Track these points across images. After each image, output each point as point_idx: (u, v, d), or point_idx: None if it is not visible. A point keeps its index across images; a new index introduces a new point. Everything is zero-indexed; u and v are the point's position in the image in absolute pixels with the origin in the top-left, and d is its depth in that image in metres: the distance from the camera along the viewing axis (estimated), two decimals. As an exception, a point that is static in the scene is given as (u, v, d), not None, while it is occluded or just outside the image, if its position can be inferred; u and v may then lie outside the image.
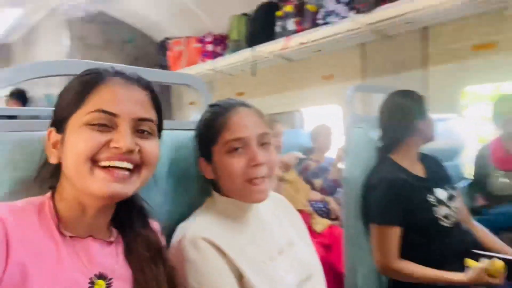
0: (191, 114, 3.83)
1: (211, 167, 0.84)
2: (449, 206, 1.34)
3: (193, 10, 3.24)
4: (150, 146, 0.65)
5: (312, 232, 2.24)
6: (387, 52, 2.50)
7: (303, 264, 0.88)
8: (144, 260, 0.67)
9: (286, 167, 1.88)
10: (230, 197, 0.85)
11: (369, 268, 1.40)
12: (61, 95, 0.65)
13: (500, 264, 1.12)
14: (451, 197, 1.37)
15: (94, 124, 0.60)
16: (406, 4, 1.93)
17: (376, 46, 2.56)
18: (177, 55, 3.41)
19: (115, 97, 0.62)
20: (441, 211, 1.31)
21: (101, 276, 0.62)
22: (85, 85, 0.62)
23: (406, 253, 1.29)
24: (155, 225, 0.77)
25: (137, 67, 0.95)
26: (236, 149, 0.80)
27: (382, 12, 2.03)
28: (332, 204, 2.42)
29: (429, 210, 1.30)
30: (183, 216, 0.86)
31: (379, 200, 1.32)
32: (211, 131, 0.83)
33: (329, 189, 2.52)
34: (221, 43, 3.13)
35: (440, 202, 1.33)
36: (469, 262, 1.18)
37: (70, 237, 0.61)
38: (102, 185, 0.59)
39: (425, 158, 1.47)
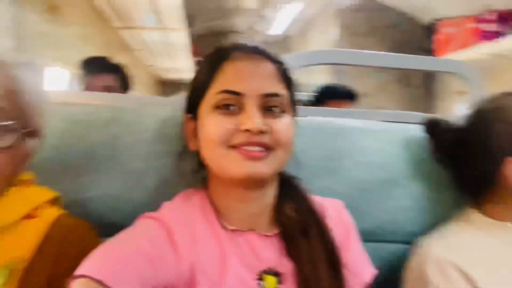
0: (457, 106, 3.36)
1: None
2: None
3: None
4: (281, 125, 0.58)
5: None
6: None
7: None
8: (297, 240, 0.60)
9: None
10: (498, 218, 0.70)
11: None
12: (193, 79, 0.63)
13: None
14: None
15: (221, 107, 0.57)
16: None
17: None
18: (446, 38, 3.05)
19: (239, 74, 0.58)
20: None
21: (270, 272, 0.58)
22: (211, 65, 0.60)
23: None
24: (331, 203, 0.68)
25: (397, 54, 0.90)
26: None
27: None
28: None
29: None
30: (434, 226, 0.76)
31: None
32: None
33: None
34: (507, 21, 2.56)
35: None
36: None
37: (232, 230, 0.58)
38: (238, 165, 0.55)
39: None
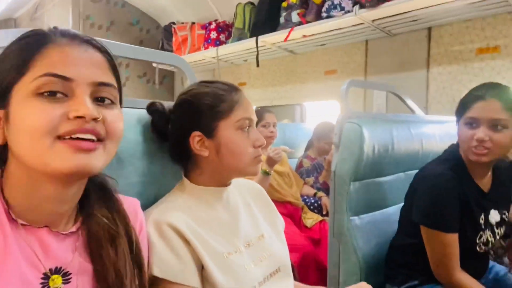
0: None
1: (212, 142, 0.82)
2: (495, 232, 1.17)
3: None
4: (113, 115, 0.55)
5: (303, 227, 2.23)
6: (391, 50, 2.48)
7: (273, 258, 0.87)
8: (103, 246, 0.59)
9: (271, 162, 1.86)
10: (203, 184, 0.85)
11: (352, 264, 1.40)
12: None
13: None
14: (501, 222, 1.19)
15: (44, 92, 0.49)
16: (411, 2, 1.90)
17: (380, 44, 2.53)
18: (181, 41, 3.39)
19: (67, 58, 0.51)
20: (484, 236, 1.15)
21: (57, 271, 0.55)
22: (27, 47, 0.51)
23: (423, 260, 1.18)
24: (130, 202, 0.71)
25: (120, 43, 0.94)
26: (245, 127, 0.83)
27: (387, 9, 1.99)
28: (324, 199, 2.41)
29: (472, 232, 1.14)
30: (157, 199, 0.86)
31: (437, 201, 1.11)
32: (222, 105, 0.82)
33: (318, 191, 2.51)
34: (225, 31, 3.10)
35: (488, 226, 1.16)
36: None
37: (23, 225, 0.53)
38: (65, 158, 0.50)
39: (498, 168, 1.23)
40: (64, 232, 0.58)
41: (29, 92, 0.49)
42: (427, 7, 1.94)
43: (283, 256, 0.91)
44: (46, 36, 0.53)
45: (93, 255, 0.59)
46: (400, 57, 2.44)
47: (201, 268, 0.75)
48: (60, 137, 0.50)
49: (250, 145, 0.83)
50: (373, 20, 2.18)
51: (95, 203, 0.62)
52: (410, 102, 1.91)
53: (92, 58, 0.55)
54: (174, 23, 3.61)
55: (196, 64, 3.44)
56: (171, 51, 3.52)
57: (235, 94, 0.84)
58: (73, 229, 0.59)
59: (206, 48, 3.11)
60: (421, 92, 2.33)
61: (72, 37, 0.55)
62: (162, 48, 3.69)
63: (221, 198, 0.86)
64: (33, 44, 0.52)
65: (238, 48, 2.93)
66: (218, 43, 3.06)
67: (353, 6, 2.11)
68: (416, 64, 2.36)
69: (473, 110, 1.09)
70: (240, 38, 2.87)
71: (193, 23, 3.36)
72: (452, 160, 1.17)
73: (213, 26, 3.09)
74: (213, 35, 3.06)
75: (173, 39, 3.47)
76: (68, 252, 0.57)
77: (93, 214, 0.60)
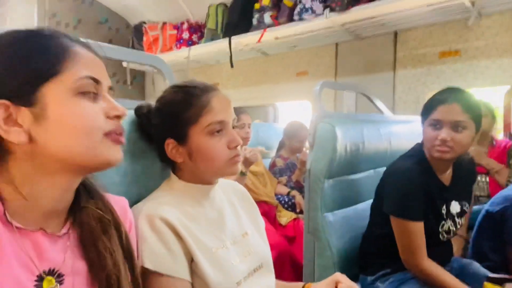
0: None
1: (185, 148, 0.83)
2: (456, 221, 1.28)
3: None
4: None
5: (277, 224, 2.28)
6: (360, 53, 2.57)
7: (256, 254, 0.91)
8: (97, 237, 0.60)
9: (247, 163, 1.89)
10: (190, 182, 0.87)
11: (327, 259, 1.45)
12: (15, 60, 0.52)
13: None
14: (461, 213, 1.30)
15: (86, 92, 0.55)
16: (378, 7, 1.98)
17: (349, 46, 2.62)
18: (153, 40, 3.36)
19: (92, 62, 0.57)
20: (446, 225, 1.25)
21: (51, 273, 0.56)
22: (55, 47, 0.54)
23: (394, 250, 1.25)
24: (118, 201, 0.72)
25: (99, 43, 0.94)
26: (217, 131, 0.82)
27: (356, 13, 2.07)
28: (298, 198, 2.47)
29: (435, 222, 1.23)
30: (141, 198, 0.86)
31: (404, 193, 1.21)
32: (190, 111, 0.82)
33: (291, 189, 2.56)
34: (198, 31, 3.10)
35: (449, 216, 1.27)
36: (489, 286, 1.12)
37: (17, 228, 0.54)
38: (112, 151, 0.57)
39: (459, 164, 1.33)
40: (58, 234, 0.59)
41: (71, 92, 0.53)
42: (394, 12, 2.03)
43: (265, 253, 0.95)
44: (65, 37, 0.57)
45: (88, 248, 0.60)
46: (368, 60, 2.54)
47: (191, 262, 0.78)
48: (106, 134, 0.56)
49: (224, 148, 0.83)
50: (343, 24, 2.26)
51: (84, 199, 0.63)
52: (378, 103, 1.99)
53: (100, 62, 0.60)
54: (145, 23, 3.56)
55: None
56: (142, 50, 3.47)
57: (206, 97, 0.83)
58: (65, 230, 0.60)
59: (178, 48, 3.10)
60: (388, 93, 2.44)
61: (76, 41, 0.58)
62: (133, 48, 3.64)
63: (208, 196, 0.89)
64: (60, 44, 0.55)
65: (211, 49, 2.94)
66: (190, 43, 3.06)
67: (323, 10, 2.18)
68: (383, 66, 2.47)
69: (436, 112, 1.20)
70: (212, 38, 2.88)
71: (165, 23, 3.34)
72: (417, 157, 1.28)
73: (185, 26, 3.08)
74: (186, 35, 3.05)
75: (144, 38, 3.43)
76: (60, 253, 0.58)
77: (84, 207, 0.62)
